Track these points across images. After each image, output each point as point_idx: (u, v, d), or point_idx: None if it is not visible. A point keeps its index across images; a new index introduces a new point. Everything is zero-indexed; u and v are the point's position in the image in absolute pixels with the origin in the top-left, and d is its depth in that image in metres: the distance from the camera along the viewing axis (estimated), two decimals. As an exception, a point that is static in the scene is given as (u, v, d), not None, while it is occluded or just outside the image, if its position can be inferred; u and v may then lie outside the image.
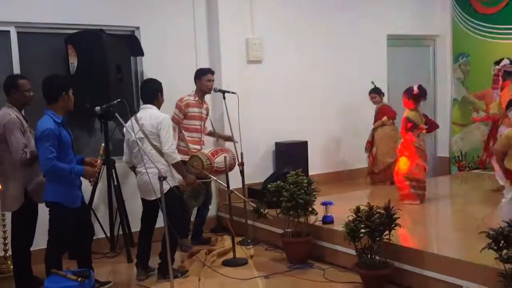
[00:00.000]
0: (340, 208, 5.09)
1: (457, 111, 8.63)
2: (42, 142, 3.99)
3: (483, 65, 7.70)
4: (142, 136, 4.66)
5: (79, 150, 4.94)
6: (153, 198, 4.55)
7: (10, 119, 4.37)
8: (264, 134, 6.91)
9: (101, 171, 4.94)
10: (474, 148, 8.18)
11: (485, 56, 7.80)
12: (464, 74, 8.51)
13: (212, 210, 6.40)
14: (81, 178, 4.28)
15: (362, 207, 4.38)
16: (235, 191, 5.38)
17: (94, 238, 4.84)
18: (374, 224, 4.22)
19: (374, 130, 7.23)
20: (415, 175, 5.88)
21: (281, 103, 7.07)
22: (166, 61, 6.25)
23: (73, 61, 5.49)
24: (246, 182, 5.94)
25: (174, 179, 4.83)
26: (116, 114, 4.35)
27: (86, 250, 4.53)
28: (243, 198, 5.53)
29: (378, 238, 4.26)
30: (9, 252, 4.98)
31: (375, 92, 7.25)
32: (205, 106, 5.97)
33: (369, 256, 4.30)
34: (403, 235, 4.73)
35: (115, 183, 5.59)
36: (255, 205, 5.45)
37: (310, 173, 6.69)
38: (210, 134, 6.22)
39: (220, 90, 5.91)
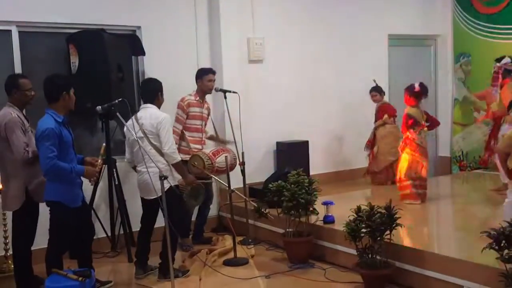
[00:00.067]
0: (341, 207, 5.09)
1: (458, 111, 8.62)
2: (42, 141, 3.98)
3: (484, 65, 7.69)
4: (142, 135, 4.66)
5: (80, 150, 4.93)
6: (152, 197, 4.55)
7: (11, 118, 4.36)
8: (265, 134, 6.92)
9: (102, 171, 4.93)
10: (475, 148, 8.19)
11: (486, 56, 7.78)
12: (465, 74, 8.50)
13: (213, 210, 6.39)
14: (82, 178, 4.27)
15: (363, 207, 4.38)
16: (236, 191, 5.38)
17: (95, 237, 4.83)
18: (375, 224, 4.22)
19: (375, 129, 7.22)
20: (416, 172, 5.88)
21: (282, 102, 7.07)
22: (167, 60, 6.25)
23: (74, 61, 5.48)
24: (247, 181, 5.94)
25: (174, 178, 4.83)
26: (117, 114, 4.35)
27: (86, 250, 4.53)
28: (244, 197, 5.52)
29: (379, 238, 4.25)
30: (10, 252, 4.99)
31: (376, 91, 7.24)
32: (206, 106, 5.97)
33: (370, 256, 4.30)
34: (404, 235, 4.73)
35: (116, 183, 5.59)
36: (256, 205, 5.44)
37: (311, 172, 6.69)
38: (211, 138, 6.20)
39: (221, 90, 5.90)
